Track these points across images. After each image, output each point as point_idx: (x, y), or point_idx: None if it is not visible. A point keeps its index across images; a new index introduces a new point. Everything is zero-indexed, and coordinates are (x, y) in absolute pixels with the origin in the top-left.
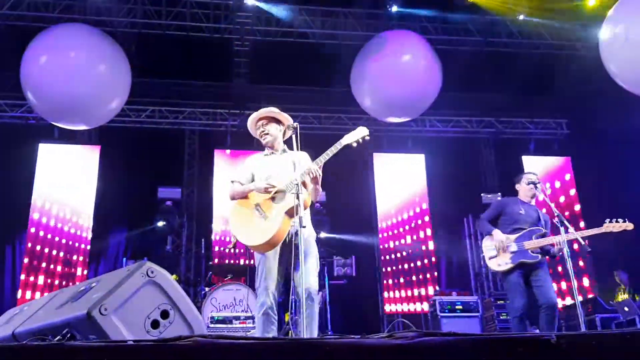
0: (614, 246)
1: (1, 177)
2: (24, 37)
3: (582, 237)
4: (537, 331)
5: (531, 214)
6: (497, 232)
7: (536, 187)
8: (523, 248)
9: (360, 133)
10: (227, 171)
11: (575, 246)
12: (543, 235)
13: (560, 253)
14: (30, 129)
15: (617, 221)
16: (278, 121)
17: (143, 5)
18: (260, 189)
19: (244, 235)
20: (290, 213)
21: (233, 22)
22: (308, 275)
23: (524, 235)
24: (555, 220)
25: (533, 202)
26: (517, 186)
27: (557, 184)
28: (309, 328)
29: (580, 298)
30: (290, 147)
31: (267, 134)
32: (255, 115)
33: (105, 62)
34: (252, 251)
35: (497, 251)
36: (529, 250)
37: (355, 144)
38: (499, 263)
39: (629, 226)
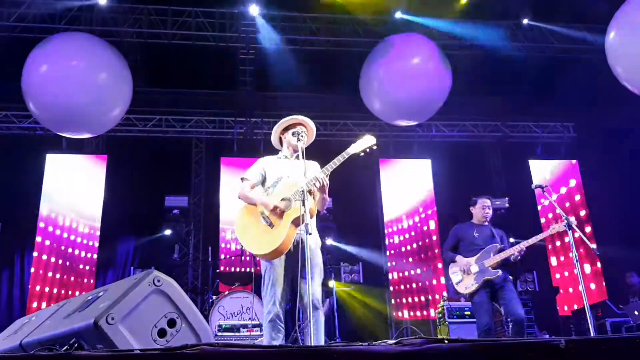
0: (623, 250)
1: (10, 187)
2: (30, 49)
3: (536, 242)
4: (547, 336)
5: (485, 233)
6: (459, 257)
7: (543, 190)
8: (484, 267)
9: (367, 142)
10: (234, 179)
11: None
12: (501, 250)
13: (520, 257)
14: (37, 140)
15: (556, 222)
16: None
17: (149, 15)
18: (269, 207)
19: (250, 243)
20: (297, 222)
21: (238, 31)
22: (312, 284)
23: (482, 255)
24: (563, 223)
25: (486, 223)
26: (472, 209)
27: (564, 188)
28: (315, 336)
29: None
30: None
31: (304, 137)
32: (297, 118)
33: (106, 70)
34: (258, 259)
35: (461, 275)
36: (490, 267)
37: (362, 154)
38: (466, 286)
39: (560, 228)
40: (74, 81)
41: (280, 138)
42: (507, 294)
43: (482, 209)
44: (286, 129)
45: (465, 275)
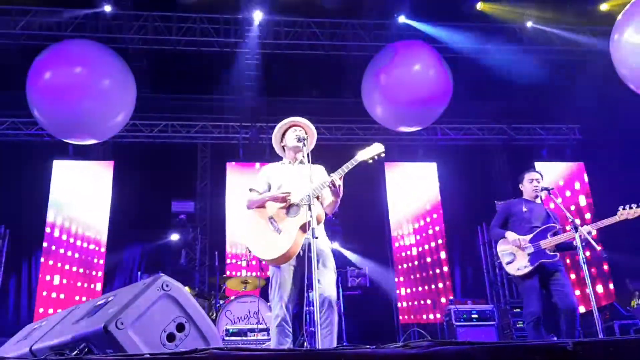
0: (630, 252)
1: (17, 193)
2: (36, 56)
3: (598, 229)
4: (555, 338)
5: (538, 211)
6: (510, 234)
7: (549, 193)
8: (540, 248)
9: (375, 150)
10: (240, 183)
11: (588, 253)
12: (557, 232)
13: (583, 244)
14: (45, 146)
15: (630, 207)
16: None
17: (154, 22)
18: (278, 198)
19: (257, 248)
20: (304, 228)
21: (242, 36)
22: (327, 285)
23: (538, 235)
24: (569, 226)
25: (539, 201)
26: (521, 186)
27: (571, 190)
28: (329, 337)
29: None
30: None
31: (305, 139)
32: (291, 120)
33: (109, 76)
34: (264, 263)
35: (514, 254)
36: (547, 249)
37: (370, 161)
38: (518, 267)
39: (633, 214)
40: (77, 88)
41: (282, 144)
42: (560, 280)
43: (530, 182)
44: (284, 134)
45: (518, 253)
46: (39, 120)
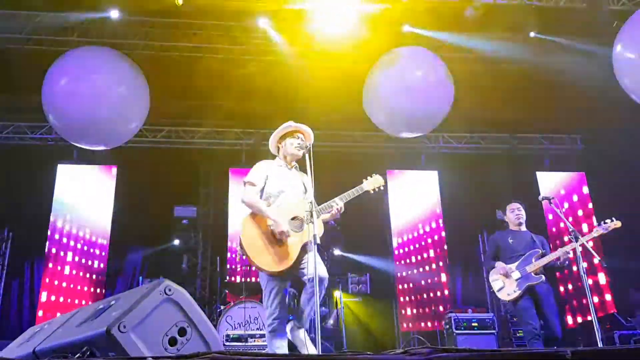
0: (632, 262)
1: (21, 197)
2: (42, 61)
3: (590, 243)
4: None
5: (523, 238)
6: (498, 263)
7: (550, 202)
8: (525, 272)
9: (377, 182)
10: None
11: (596, 260)
12: (543, 255)
13: (567, 263)
14: (49, 150)
15: (605, 222)
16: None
17: (159, 28)
18: (276, 231)
19: (259, 257)
20: (306, 248)
21: (247, 44)
22: (322, 271)
23: (524, 261)
24: (570, 236)
25: (523, 228)
26: (506, 218)
27: (573, 200)
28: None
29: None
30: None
31: (305, 147)
32: (294, 125)
33: (125, 84)
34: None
35: (502, 281)
36: (532, 272)
37: (372, 192)
38: (508, 292)
39: (617, 224)
40: (94, 94)
41: (277, 146)
42: (549, 308)
43: (512, 211)
44: (283, 137)
45: (506, 280)
46: (54, 125)
